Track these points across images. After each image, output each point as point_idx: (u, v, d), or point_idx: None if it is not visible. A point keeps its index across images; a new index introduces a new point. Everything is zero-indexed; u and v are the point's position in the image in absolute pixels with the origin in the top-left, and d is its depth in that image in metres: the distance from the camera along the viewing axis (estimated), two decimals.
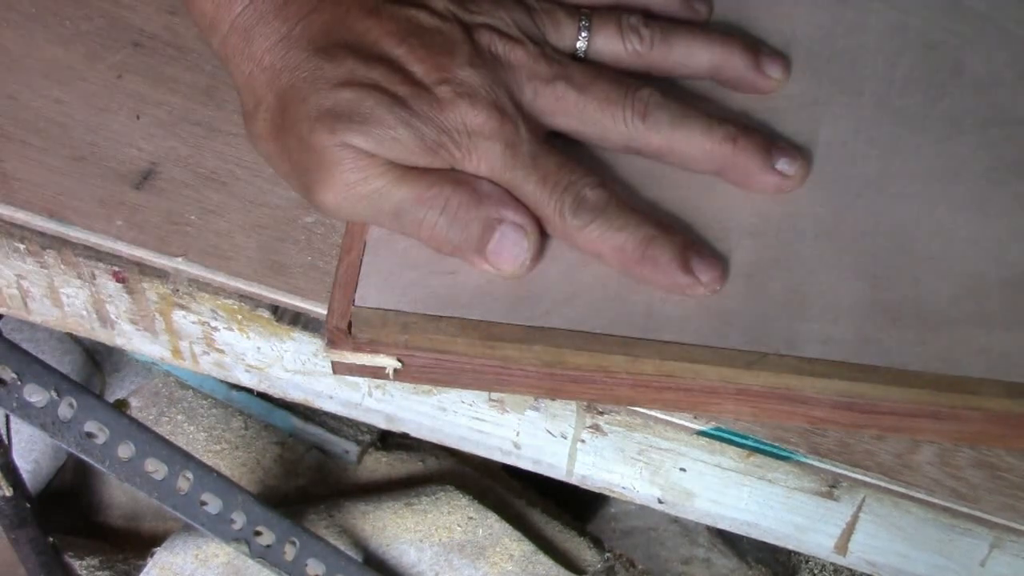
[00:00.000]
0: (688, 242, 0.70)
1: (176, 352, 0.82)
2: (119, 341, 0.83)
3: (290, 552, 1.09)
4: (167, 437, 1.04)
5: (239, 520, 1.06)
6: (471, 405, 0.78)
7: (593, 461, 0.80)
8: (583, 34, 0.75)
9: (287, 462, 1.50)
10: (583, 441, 0.79)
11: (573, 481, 0.83)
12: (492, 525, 1.39)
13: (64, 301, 0.81)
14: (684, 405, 0.72)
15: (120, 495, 1.51)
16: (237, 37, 0.71)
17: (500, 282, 0.71)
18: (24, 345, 0.98)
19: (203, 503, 1.03)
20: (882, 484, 0.73)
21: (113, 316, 0.81)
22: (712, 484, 0.79)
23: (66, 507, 1.52)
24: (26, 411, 0.96)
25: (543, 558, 1.37)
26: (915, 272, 0.73)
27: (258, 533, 1.08)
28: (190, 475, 1.02)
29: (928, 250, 0.74)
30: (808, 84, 0.81)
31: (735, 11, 0.84)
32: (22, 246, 0.77)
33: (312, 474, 1.49)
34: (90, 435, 0.97)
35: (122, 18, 0.85)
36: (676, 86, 0.80)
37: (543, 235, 0.72)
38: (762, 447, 0.74)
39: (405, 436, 0.84)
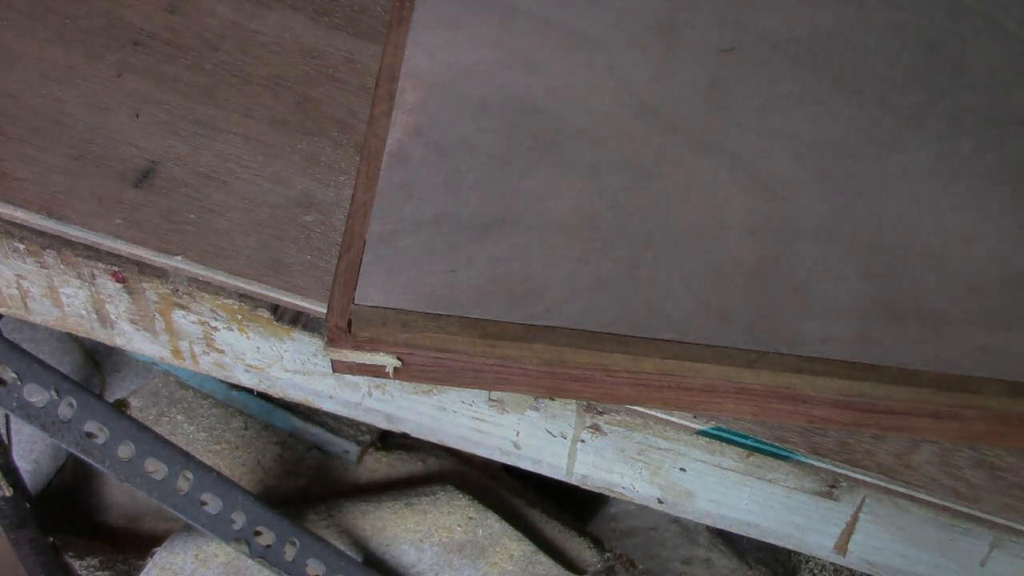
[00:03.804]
0: None
1: (176, 352, 0.82)
2: (119, 341, 0.83)
3: (290, 552, 1.09)
4: (167, 437, 1.04)
5: (239, 520, 1.06)
6: (471, 405, 0.78)
7: (593, 461, 0.80)
8: None
9: (287, 462, 1.49)
10: (583, 441, 0.78)
11: (573, 481, 0.83)
12: (492, 525, 1.38)
13: (64, 301, 0.81)
14: (684, 404, 0.72)
15: (120, 495, 1.51)
16: None
17: (500, 281, 0.71)
18: (24, 345, 0.98)
19: (203, 503, 1.03)
20: (882, 484, 0.73)
21: (113, 316, 0.81)
22: (712, 484, 0.78)
23: (66, 507, 1.52)
24: (26, 411, 0.96)
25: (543, 558, 1.37)
26: (915, 271, 0.73)
27: (258, 533, 1.07)
28: (190, 475, 1.02)
29: (928, 249, 0.74)
30: (808, 83, 0.81)
31: (737, 11, 0.84)
32: (22, 246, 0.77)
33: (312, 474, 1.49)
34: (90, 435, 0.97)
35: (122, 17, 0.85)
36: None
37: None
38: (762, 447, 0.74)
39: (405, 436, 0.84)
